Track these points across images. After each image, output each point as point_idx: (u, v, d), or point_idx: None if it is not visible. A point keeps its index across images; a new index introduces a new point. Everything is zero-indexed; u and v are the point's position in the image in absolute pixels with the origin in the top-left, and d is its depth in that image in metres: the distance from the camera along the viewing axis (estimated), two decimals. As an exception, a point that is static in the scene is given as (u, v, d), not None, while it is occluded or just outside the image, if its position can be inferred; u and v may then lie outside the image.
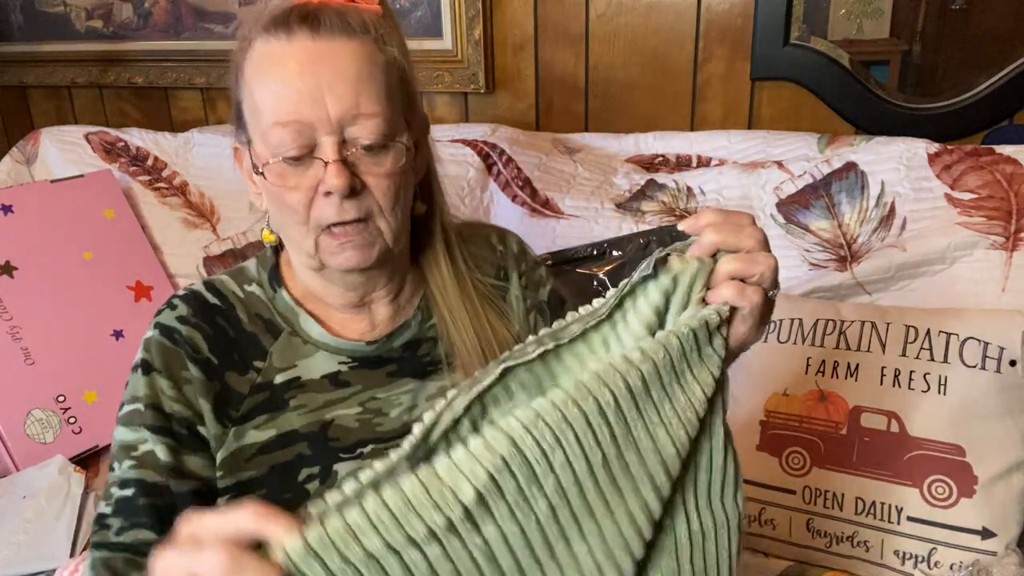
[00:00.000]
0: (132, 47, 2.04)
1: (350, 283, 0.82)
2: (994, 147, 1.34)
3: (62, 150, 1.85)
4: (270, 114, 0.74)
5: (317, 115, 0.72)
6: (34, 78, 2.17)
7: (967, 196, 1.31)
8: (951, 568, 1.09)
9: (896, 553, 1.12)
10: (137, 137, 1.85)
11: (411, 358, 0.86)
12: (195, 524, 0.52)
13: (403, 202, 0.79)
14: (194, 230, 1.75)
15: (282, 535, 0.49)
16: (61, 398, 1.47)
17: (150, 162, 1.82)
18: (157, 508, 0.76)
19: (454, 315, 0.85)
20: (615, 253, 1.43)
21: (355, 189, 0.74)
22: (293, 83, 0.73)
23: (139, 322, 1.61)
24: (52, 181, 1.69)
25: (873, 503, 1.13)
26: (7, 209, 1.57)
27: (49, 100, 2.22)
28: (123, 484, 0.77)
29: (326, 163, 0.73)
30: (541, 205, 1.54)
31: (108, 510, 0.78)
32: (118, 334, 1.58)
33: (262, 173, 0.76)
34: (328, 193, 0.74)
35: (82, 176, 1.73)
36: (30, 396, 1.44)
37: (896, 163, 1.37)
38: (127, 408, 0.79)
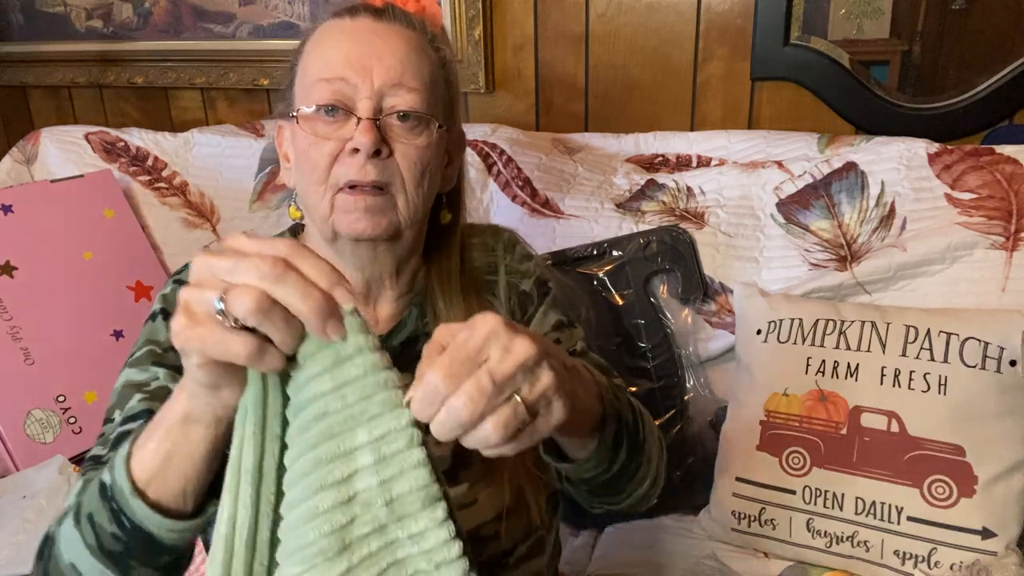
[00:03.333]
0: (132, 47, 2.04)
1: (357, 260, 0.83)
2: (994, 147, 1.34)
3: (62, 150, 1.85)
4: (318, 72, 0.78)
5: (361, 79, 0.77)
6: (34, 78, 2.17)
7: (967, 196, 1.31)
8: (951, 568, 1.09)
9: (896, 553, 1.12)
10: (137, 137, 1.85)
11: (408, 355, 0.86)
12: (239, 239, 0.52)
13: (425, 187, 0.80)
14: (194, 230, 1.75)
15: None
16: (61, 398, 1.47)
17: (150, 162, 1.82)
18: None
19: (451, 318, 0.86)
20: (615, 253, 1.43)
21: (380, 152, 0.76)
22: (345, 47, 0.78)
23: (139, 322, 1.60)
24: (52, 181, 1.68)
25: (873, 503, 1.13)
26: (7, 209, 1.57)
27: (49, 100, 2.22)
28: (127, 420, 0.76)
29: (358, 120, 0.76)
30: (541, 205, 1.54)
31: (104, 450, 0.76)
32: (118, 334, 1.58)
33: (295, 117, 0.79)
34: (355, 151, 0.76)
35: (82, 176, 1.72)
36: (30, 396, 1.44)
37: (896, 163, 1.37)
38: (140, 351, 0.80)
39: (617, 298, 1.42)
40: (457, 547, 0.54)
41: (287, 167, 0.86)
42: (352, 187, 0.77)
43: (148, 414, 0.75)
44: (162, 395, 0.75)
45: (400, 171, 0.78)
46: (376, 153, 0.76)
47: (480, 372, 0.51)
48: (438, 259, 0.89)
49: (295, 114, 0.79)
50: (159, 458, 0.58)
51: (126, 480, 0.59)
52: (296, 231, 0.92)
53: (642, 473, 0.81)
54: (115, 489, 0.60)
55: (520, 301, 0.92)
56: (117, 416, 0.78)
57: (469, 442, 0.53)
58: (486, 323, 0.53)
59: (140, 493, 0.59)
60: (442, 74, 0.83)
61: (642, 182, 1.52)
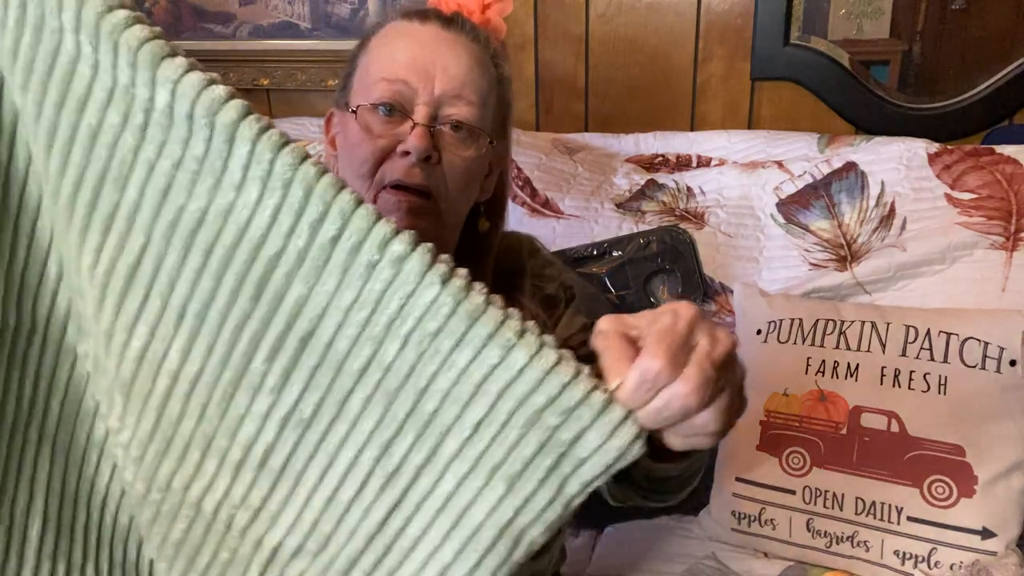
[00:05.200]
0: (132, 47, 2.04)
1: None
2: (994, 147, 1.34)
3: (62, 150, 1.85)
4: (381, 71, 0.79)
5: (423, 85, 0.78)
6: (34, 78, 2.17)
7: (967, 196, 1.31)
8: (951, 568, 1.09)
9: (896, 553, 1.12)
10: (137, 137, 1.85)
11: None
12: None
13: (466, 196, 0.83)
14: (194, 230, 1.75)
15: None
16: (61, 398, 1.47)
17: (150, 162, 1.82)
18: None
19: None
20: (615, 253, 1.43)
21: (430, 158, 0.78)
22: (411, 51, 0.79)
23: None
24: (52, 181, 1.68)
25: (873, 503, 1.13)
26: (7, 209, 1.57)
27: (49, 100, 2.22)
28: None
29: (413, 125, 0.77)
30: (541, 205, 1.54)
31: None
32: (118, 334, 1.58)
33: (354, 111, 0.80)
34: (405, 154, 0.77)
35: (82, 176, 1.72)
36: (30, 396, 1.44)
37: (896, 163, 1.37)
38: None
39: (617, 298, 1.42)
40: (230, 96, 0.45)
41: (332, 153, 0.87)
42: (396, 188, 0.78)
43: None
44: None
45: (445, 179, 0.79)
46: (426, 159, 0.77)
47: (701, 358, 0.47)
48: (472, 264, 0.90)
49: (355, 109, 0.80)
50: None
51: None
52: None
53: (704, 467, 0.83)
54: None
55: (546, 303, 0.93)
56: None
57: (681, 431, 0.48)
58: (689, 309, 0.49)
59: None
60: (498, 90, 0.85)
61: (642, 182, 1.52)
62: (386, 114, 0.78)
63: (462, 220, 0.86)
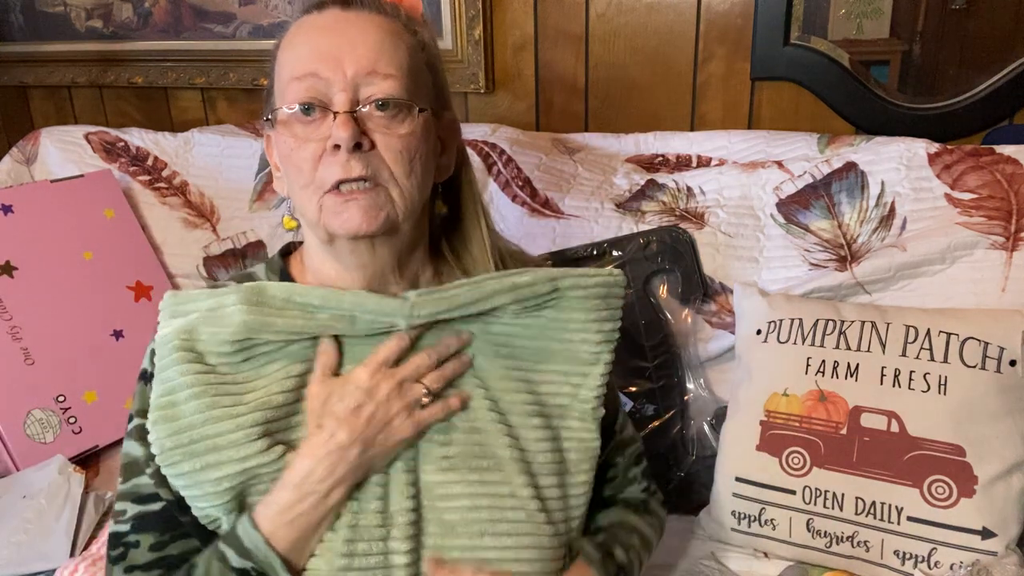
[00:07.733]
0: (132, 47, 2.04)
1: (357, 259, 0.79)
2: (994, 147, 1.34)
3: (62, 150, 1.85)
4: (290, 72, 0.75)
5: (333, 72, 0.73)
6: (34, 78, 2.17)
7: (967, 196, 1.31)
8: (951, 568, 1.09)
9: (896, 553, 1.12)
10: (137, 137, 1.85)
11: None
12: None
13: (418, 175, 0.76)
14: (194, 230, 1.75)
15: None
16: (61, 398, 1.47)
17: (150, 162, 1.82)
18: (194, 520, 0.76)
19: None
20: (615, 253, 1.43)
21: (362, 145, 0.73)
22: (314, 42, 0.75)
23: (139, 322, 1.60)
24: (52, 181, 1.68)
25: (873, 503, 1.13)
26: (7, 209, 1.57)
27: (49, 100, 2.22)
28: (145, 499, 0.77)
29: (335, 115, 0.73)
30: (541, 205, 1.54)
31: (127, 527, 0.77)
32: (118, 334, 1.58)
33: (271, 121, 0.77)
34: (336, 148, 0.72)
35: (82, 176, 1.72)
36: (30, 396, 1.44)
37: (896, 163, 1.37)
38: (133, 423, 0.79)
39: (617, 298, 1.42)
40: None
41: (278, 176, 0.83)
42: (340, 187, 0.74)
43: (156, 498, 0.77)
44: (161, 477, 0.76)
45: (387, 163, 0.74)
46: (358, 146, 0.72)
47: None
48: (437, 252, 0.87)
49: (270, 117, 0.77)
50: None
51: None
52: (289, 250, 0.89)
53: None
54: None
55: None
56: (127, 483, 0.79)
57: None
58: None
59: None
60: (422, 57, 0.79)
61: (642, 182, 1.52)
62: (306, 114, 0.74)
63: (423, 205, 0.80)
